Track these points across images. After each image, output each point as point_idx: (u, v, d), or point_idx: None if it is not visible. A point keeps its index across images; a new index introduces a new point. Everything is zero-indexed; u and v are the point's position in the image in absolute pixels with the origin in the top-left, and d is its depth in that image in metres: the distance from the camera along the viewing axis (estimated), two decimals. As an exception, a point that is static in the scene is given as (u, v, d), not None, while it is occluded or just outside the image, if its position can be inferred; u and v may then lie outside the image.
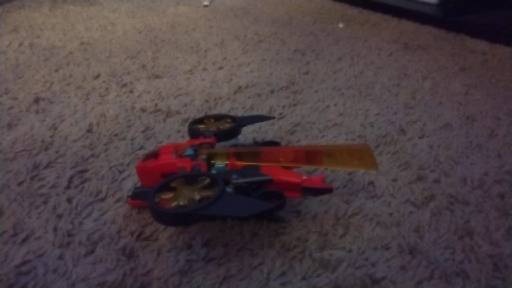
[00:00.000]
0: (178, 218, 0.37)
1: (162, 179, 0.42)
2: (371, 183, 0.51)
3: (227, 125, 0.54)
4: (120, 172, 0.53)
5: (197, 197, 0.38)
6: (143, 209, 0.47)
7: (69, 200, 0.48)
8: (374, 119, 0.67)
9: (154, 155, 0.47)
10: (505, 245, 0.43)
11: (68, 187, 0.51)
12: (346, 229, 0.44)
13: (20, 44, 0.96)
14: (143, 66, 0.86)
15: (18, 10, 1.21)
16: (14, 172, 0.53)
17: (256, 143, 0.58)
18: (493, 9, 1.22)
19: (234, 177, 0.42)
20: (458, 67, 0.88)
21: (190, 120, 0.65)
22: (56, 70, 0.83)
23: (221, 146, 0.53)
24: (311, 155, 0.47)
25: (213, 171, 0.44)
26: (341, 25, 1.15)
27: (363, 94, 0.75)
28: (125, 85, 0.78)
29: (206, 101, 0.72)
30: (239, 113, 0.68)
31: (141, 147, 0.59)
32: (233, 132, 0.54)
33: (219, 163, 0.45)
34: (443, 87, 0.79)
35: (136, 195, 0.45)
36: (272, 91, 0.75)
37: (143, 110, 0.69)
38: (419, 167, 0.55)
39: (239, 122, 0.55)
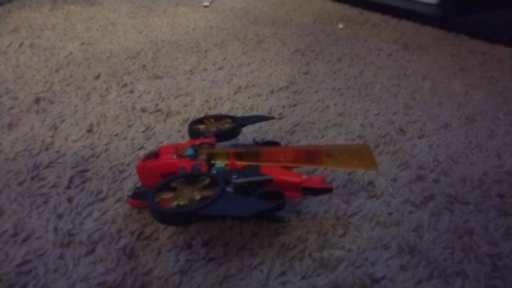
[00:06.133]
0: (178, 218, 0.37)
1: (162, 179, 0.42)
2: (370, 183, 0.51)
3: (227, 125, 0.54)
4: (121, 172, 0.54)
5: (197, 196, 0.38)
6: (143, 208, 0.47)
7: (69, 200, 0.49)
8: (373, 119, 0.67)
9: (155, 155, 0.47)
10: (504, 244, 0.43)
11: (68, 187, 0.51)
12: (346, 228, 0.45)
13: (21, 44, 0.96)
14: (144, 66, 0.86)
15: (19, 10, 1.21)
16: (14, 172, 0.53)
17: (256, 143, 0.58)
18: (493, 9, 1.22)
19: (234, 177, 0.42)
20: (457, 68, 0.88)
21: (190, 120, 0.65)
22: (57, 70, 0.83)
23: (221, 146, 0.54)
24: (311, 155, 0.47)
25: (213, 171, 0.44)
26: (340, 26, 1.15)
27: (363, 94, 0.76)
28: (125, 85, 0.78)
29: (206, 101, 0.72)
30: (239, 113, 0.68)
31: (142, 147, 0.59)
32: (233, 132, 0.54)
33: (219, 163, 0.45)
34: (443, 87, 0.79)
35: (137, 195, 0.46)
36: (272, 91, 0.75)
37: (143, 110, 0.69)
38: (418, 167, 0.55)
39: (239, 122, 0.55)
